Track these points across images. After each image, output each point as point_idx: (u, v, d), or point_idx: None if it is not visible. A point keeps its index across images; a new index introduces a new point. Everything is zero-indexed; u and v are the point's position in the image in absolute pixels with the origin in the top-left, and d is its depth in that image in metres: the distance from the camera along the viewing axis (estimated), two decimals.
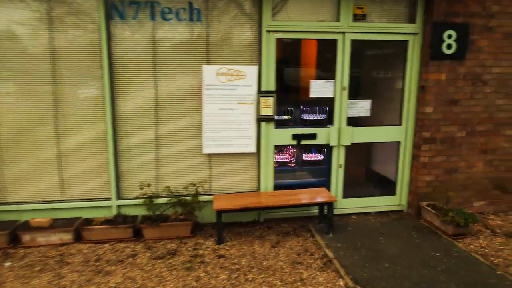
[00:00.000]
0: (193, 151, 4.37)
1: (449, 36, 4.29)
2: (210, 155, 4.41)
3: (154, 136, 4.27)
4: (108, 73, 4.03)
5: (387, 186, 5.14)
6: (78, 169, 4.23)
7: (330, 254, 3.71)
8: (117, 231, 4.08)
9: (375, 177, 5.58)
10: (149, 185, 4.27)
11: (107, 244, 4.03)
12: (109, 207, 4.32)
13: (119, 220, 4.16)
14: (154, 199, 4.26)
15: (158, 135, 4.27)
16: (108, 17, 3.97)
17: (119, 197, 4.33)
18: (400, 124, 4.69)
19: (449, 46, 4.32)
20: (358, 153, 5.41)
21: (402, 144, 4.72)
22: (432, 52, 4.33)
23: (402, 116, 4.67)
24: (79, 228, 4.04)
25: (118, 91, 4.13)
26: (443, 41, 4.30)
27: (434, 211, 4.36)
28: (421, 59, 4.49)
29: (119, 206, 4.34)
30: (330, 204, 4.10)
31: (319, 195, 4.24)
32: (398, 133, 4.68)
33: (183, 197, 4.27)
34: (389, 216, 4.74)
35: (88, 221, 4.17)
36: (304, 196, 4.23)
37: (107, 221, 4.18)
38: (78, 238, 4.09)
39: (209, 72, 4.16)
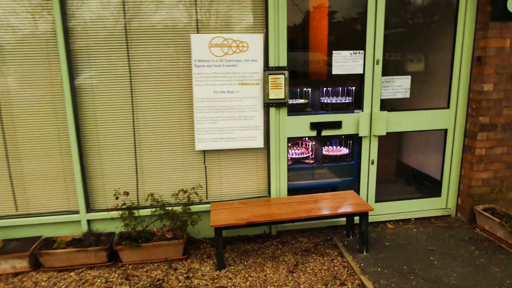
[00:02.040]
0: (182, 148, 3.38)
1: None
2: (205, 153, 3.42)
3: (131, 131, 3.28)
4: (65, 56, 3.01)
5: (428, 186, 4.14)
6: (36, 176, 3.26)
7: (369, 285, 2.73)
8: (87, 255, 3.12)
9: (410, 174, 4.57)
10: (126, 194, 3.29)
11: (73, 273, 3.08)
12: (78, 222, 3.36)
13: (89, 240, 3.20)
14: (134, 211, 3.29)
15: (136, 129, 3.28)
16: None
17: (89, 210, 3.37)
18: (447, 107, 3.66)
19: None
20: (388, 144, 4.41)
21: (450, 132, 3.70)
22: (493, 10, 3.27)
23: (451, 97, 3.63)
24: (36, 253, 3.09)
25: (80, 77, 3.13)
26: None
27: (495, 218, 3.36)
28: (477, 20, 3.43)
29: (89, 221, 3.37)
30: (363, 215, 3.11)
31: (348, 202, 3.25)
32: (444, 119, 3.66)
33: (171, 207, 3.30)
34: (433, 223, 3.75)
35: (50, 242, 3.23)
36: (328, 203, 3.24)
37: (74, 241, 3.23)
38: (38, 264, 3.15)
39: (199, 43, 3.15)
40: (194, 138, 3.34)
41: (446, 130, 3.70)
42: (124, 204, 3.30)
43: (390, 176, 4.69)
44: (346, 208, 3.12)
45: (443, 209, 3.87)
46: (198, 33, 3.18)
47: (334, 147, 3.98)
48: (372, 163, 3.62)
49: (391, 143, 4.59)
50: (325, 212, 3.07)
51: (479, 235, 3.48)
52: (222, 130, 3.33)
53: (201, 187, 3.43)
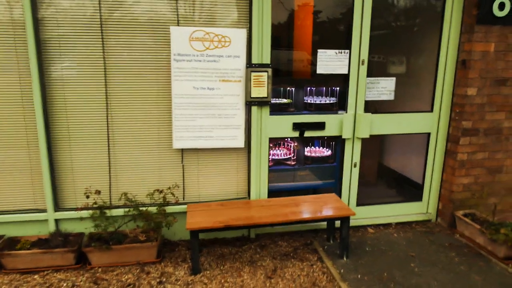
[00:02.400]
0: (159, 145, 3.22)
1: None
2: (183, 151, 3.27)
3: (104, 126, 3.10)
4: (34, 45, 2.81)
5: (409, 190, 4.11)
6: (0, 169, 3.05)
7: None
8: (53, 257, 2.93)
9: (392, 177, 4.54)
10: (98, 192, 3.11)
11: (37, 276, 2.89)
12: (45, 221, 3.16)
13: (56, 241, 3.00)
14: (106, 211, 3.12)
15: (110, 124, 3.10)
16: None
17: (58, 208, 3.17)
18: (431, 111, 3.62)
19: (501, 6, 3.23)
20: (370, 146, 4.36)
21: (433, 136, 3.66)
22: (479, 13, 3.24)
23: (434, 100, 3.59)
24: None
25: (50, 67, 2.93)
26: None
27: (476, 225, 3.34)
28: (463, 23, 3.40)
29: (58, 221, 3.18)
30: (345, 219, 3.03)
31: (329, 206, 3.16)
32: (428, 122, 3.62)
33: (146, 208, 3.14)
34: (414, 228, 3.71)
35: (14, 242, 3.03)
36: (309, 206, 3.15)
37: (40, 242, 3.04)
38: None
39: (179, 37, 2.99)
40: (171, 135, 3.19)
41: (429, 134, 3.67)
42: (95, 203, 3.12)
43: (372, 179, 4.65)
44: (327, 212, 3.03)
45: (424, 214, 3.84)
46: (178, 25, 3.03)
47: (317, 148, 3.89)
48: (355, 165, 3.54)
49: (374, 145, 4.54)
50: (306, 215, 2.97)
51: (459, 241, 3.46)
52: (201, 128, 3.19)
53: (178, 187, 3.28)
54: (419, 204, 3.83)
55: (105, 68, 2.99)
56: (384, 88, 3.47)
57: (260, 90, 3.15)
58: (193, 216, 2.97)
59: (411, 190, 4.09)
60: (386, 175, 4.64)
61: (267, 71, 3.13)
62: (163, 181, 3.29)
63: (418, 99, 3.91)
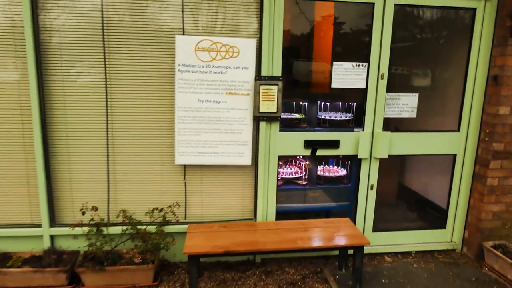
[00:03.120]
0: (161, 161, 3.03)
1: None
2: (185, 168, 3.07)
3: (103, 139, 2.94)
4: (34, 53, 2.70)
5: (432, 214, 3.78)
6: None
7: None
8: (44, 277, 2.77)
9: (413, 200, 4.21)
10: (95, 209, 2.94)
11: None
12: (39, 237, 3.01)
13: (49, 259, 2.84)
14: (103, 228, 2.95)
15: (110, 136, 2.94)
16: None
17: (54, 224, 3.02)
18: (458, 130, 3.31)
19: None
20: (389, 163, 4.05)
21: (460, 157, 3.34)
22: None
23: (462, 119, 3.28)
24: None
25: (49, 76, 2.80)
26: None
27: (507, 258, 2.98)
28: (495, 36, 3.09)
29: (53, 237, 3.03)
30: (359, 249, 2.75)
31: (342, 232, 2.88)
32: (454, 143, 3.30)
33: (144, 227, 2.95)
34: (436, 258, 3.37)
35: (6, 258, 2.88)
36: (320, 232, 2.88)
37: (33, 259, 2.88)
38: None
39: (185, 46, 2.82)
40: (174, 150, 3.00)
41: (455, 155, 3.35)
42: (92, 219, 2.95)
43: (390, 200, 4.33)
44: (340, 240, 2.76)
45: (447, 243, 3.50)
46: (184, 34, 2.86)
47: (330, 166, 3.63)
48: (372, 188, 3.26)
49: (393, 163, 4.23)
50: (316, 243, 2.71)
51: (487, 275, 3.11)
52: (205, 143, 2.99)
53: (179, 205, 3.08)
54: (442, 232, 3.49)
55: (106, 78, 2.84)
56: (406, 104, 3.19)
57: (269, 105, 2.93)
58: (192, 239, 2.76)
59: (433, 215, 3.75)
60: (406, 197, 4.31)
61: (277, 84, 2.91)
62: (164, 198, 3.09)
63: (443, 117, 3.60)
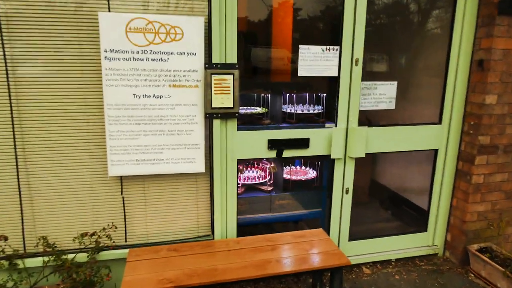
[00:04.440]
0: (91, 173, 2.41)
1: None
2: (122, 180, 2.47)
3: (10, 149, 2.27)
4: None
5: (410, 216, 3.43)
6: None
7: None
8: None
9: (389, 199, 3.86)
10: (4, 238, 2.29)
11: None
12: None
13: None
14: (17, 261, 2.31)
15: (19, 146, 2.28)
16: None
17: None
18: (439, 122, 2.94)
19: None
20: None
21: (441, 153, 2.99)
22: (502, 2, 2.57)
23: (443, 110, 2.92)
24: None
25: None
26: None
27: (496, 265, 2.67)
28: (480, 14, 2.72)
29: None
30: (337, 270, 2.30)
31: (316, 249, 2.43)
32: (435, 137, 2.94)
33: (73, 255, 2.35)
34: (418, 266, 3.02)
35: None
36: (289, 251, 2.41)
37: None
38: None
39: (112, 26, 2.20)
40: (106, 160, 2.39)
41: (436, 151, 2.99)
42: (2, 251, 2.30)
43: (362, 198, 3.96)
44: (315, 260, 2.29)
45: (429, 247, 3.16)
46: (109, 11, 2.23)
47: (298, 167, 3.17)
48: (347, 192, 2.82)
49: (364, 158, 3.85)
50: (287, 267, 2.22)
51: (474, 283, 2.79)
52: (146, 149, 2.40)
53: (116, 227, 2.48)
54: (423, 235, 3.15)
55: (6, 69, 2.16)
56: (383, 95, 2.76)
57: (224, 98, 2.39)
58: (133, 270, 2.18)
59: (411, 216, 3.41)
60: (380, 195, 3.96)
61: (232, 74, 2.37)
62: (98, 219, 2.48)
63: (423, 108, 3.22)
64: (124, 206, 2.50)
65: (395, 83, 2.78)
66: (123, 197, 2.49)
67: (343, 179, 2.80)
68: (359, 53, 2.61)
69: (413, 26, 3.27)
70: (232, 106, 2.41)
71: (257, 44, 3.16)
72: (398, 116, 3.01)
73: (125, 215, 2.51)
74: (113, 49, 2.22)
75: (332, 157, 2.70)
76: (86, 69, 2.26)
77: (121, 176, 2.45)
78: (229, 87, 2.38)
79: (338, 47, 2.59)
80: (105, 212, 2.48)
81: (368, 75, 2.80)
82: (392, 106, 2.81)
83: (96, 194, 2.44)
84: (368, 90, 2.72)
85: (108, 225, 2.46)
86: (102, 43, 2.20)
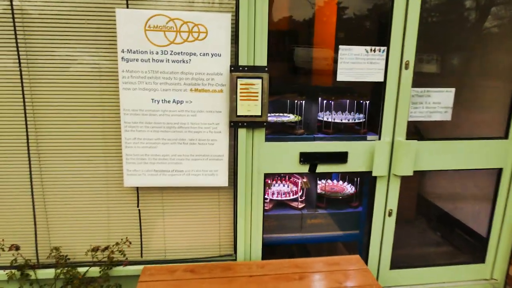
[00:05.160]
0: (106, 183, 2.24)
1: None
2: (138, 191, 2.28)
3: (24, 155, 2.15)
4: None
5: (465, 242, 2.99)
6: None
7: None
8: None
9: (437, 219, 3.41)
10: (15, 248, 2.18)
11: None
12: None
13: None
14: (29, 272, 2.19)
15: (34, 152, 2.15)
16: None
17: None
18: (505, 137, 2.49)
19: None
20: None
21: (507, 172, 2.53)
22: None
23: (511, 122, 2.46)
24: None
25: None
26: None
27: None
28: None
29: None
30: None
31: (351, 280, 2.10)
32: (499, 153, 2.49)
33: (85, 269, 2.19)
34: None
35: None
36: (320, 281, 2.10)
37: None
38: None
39: (130, 24, 2.00)
40: (122, 169, 2.21)
41: (500, 170, 2.53)
42: (14, 260, 2.19)
43: (407, 215, 3.53)
44: None
45: (486, 281, 2.71)
46: (128, 7, 2.03)
47: (334, 182, 2.84)
48: (390, 214, 2.46)
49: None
50: None
51: None
52: (165, 158, 2.19)
53: (130, 243, 2.30)
54: (480, 267, 2.70)
55: (21, 72, 2.03)
56: (438, 103, 2.36)
57: (251, 105, 2.12)
58: None
59: (466, 242, 2.97)
60: (427, 213, 3.51)
61: (261, 77, 2.09)
62: (113, 231, 2.31)
63: (481, 118, 2.77)
64: (140, 220, 2.31)
65: (452, 90, 2.37)
66: (139, 210, 2.30)
67: (386, 199, 2.43)
68: (410, 55, 2.23)
69: (470, 23, 2.82)
70: (260, 114, 2.13)
71: (299, 44, 2.87)
72: (449, 126, 2.59)
73: (141, 229, 2.32)
74: (130, 50, 2.02)
75: (374, 174, 2.35)
76: (103, 71, 2.09)
77: (137, 187, 2.26)
78: (257, 92, 2.11)
79: (385, 48, 2.23)
80: (121, 225, 2.31)
81: (417, 77, 2.40)
82: (448, 117, 2.40)
83: (111, 205, 2.27)
84: (419, 98, 2.34)
85: (122, 239, 2.28)
86: (119, 43, 2.01)
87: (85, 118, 2.13)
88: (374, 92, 2.42)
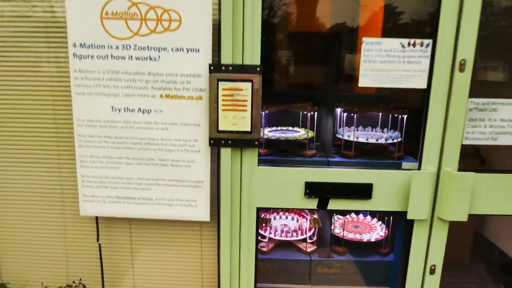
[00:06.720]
0: (62, 210, 1.82)
1: None
2: (98, 221, 1.82)
3: None
4: None
5: None
6: None
7: None
8: None
9: (500, 266, 2.63)
10: None
11: None
12: None
13: None
14: None
15: None
16: None
17: None
18: None
19: None
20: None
21: None
22: None
23: None
24: None
25: None
26: None
27: None
28: None
29: None
30: None
31: None
32: None
33: None
34: None
35: None
36: None
37: None
38: None
39: (83, 11, 1.56)
40: (78, 194, 1.76)
41: None
42: None
43: (461, 257, 2.78)
44: None
45: None
46: None
47: (360, 217, 2.19)
48: (432, 271, 1.78)
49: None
50: None
51: None
52: (129, 182, 1.71)
53: (83, 286, 1.84)
54: None
55: None
56: (507, 121, 1.66)
57: (237, 118, 1.58)
58: None
59: None
60: (487, 258, 2.74)
61: (251, 81, 1.54)
62: (72, 267, 1.88)
63: None
64: (101, 256, 1.85)
65: None
66: (99, 244, 1.84)
67: (427, 251, 1.76)
68: (467, 51, 1.56)
69: None
70: (249, 129, 1.58)
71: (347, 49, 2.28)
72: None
73: (102, 268, 1.86)
74: (84, 44, 1.58)
75: (409, 216, 1.69)
76: (55, 73, 1.67)
77: (96, 217, 1.80)
78: (246, 100, 1.56)
79: (429, 41, 1.58)
80: (81, 261, 1.87)
81: (477, 86, 1.73)
82: None
83: (69, 237, 1.84)
84: (480, 112, 1.65)
85: (74, 282, 1.83)
86: (70, 35, 1.57)
87: (35, 132, 1.72)
88: (414, 103, 1.77)
